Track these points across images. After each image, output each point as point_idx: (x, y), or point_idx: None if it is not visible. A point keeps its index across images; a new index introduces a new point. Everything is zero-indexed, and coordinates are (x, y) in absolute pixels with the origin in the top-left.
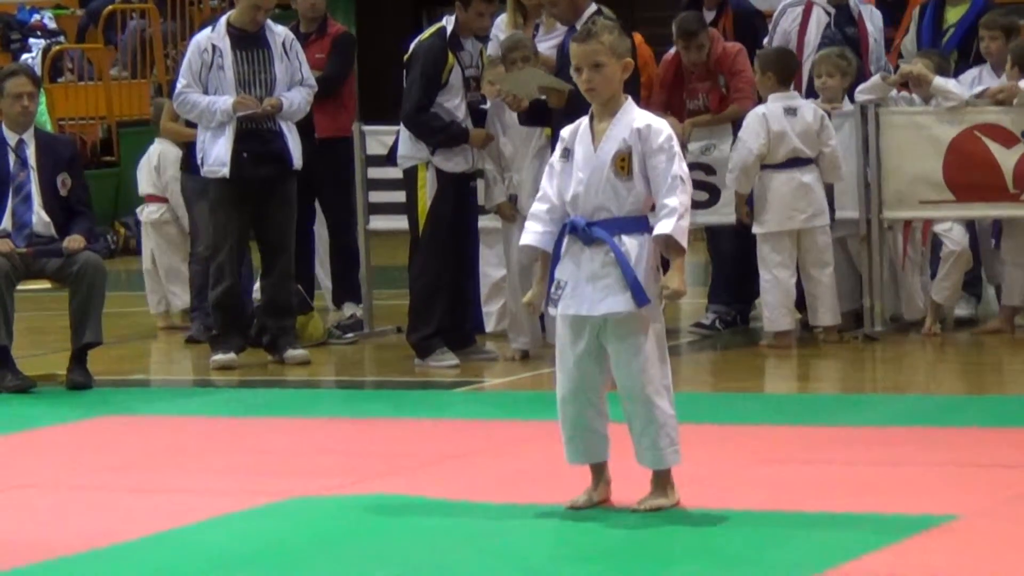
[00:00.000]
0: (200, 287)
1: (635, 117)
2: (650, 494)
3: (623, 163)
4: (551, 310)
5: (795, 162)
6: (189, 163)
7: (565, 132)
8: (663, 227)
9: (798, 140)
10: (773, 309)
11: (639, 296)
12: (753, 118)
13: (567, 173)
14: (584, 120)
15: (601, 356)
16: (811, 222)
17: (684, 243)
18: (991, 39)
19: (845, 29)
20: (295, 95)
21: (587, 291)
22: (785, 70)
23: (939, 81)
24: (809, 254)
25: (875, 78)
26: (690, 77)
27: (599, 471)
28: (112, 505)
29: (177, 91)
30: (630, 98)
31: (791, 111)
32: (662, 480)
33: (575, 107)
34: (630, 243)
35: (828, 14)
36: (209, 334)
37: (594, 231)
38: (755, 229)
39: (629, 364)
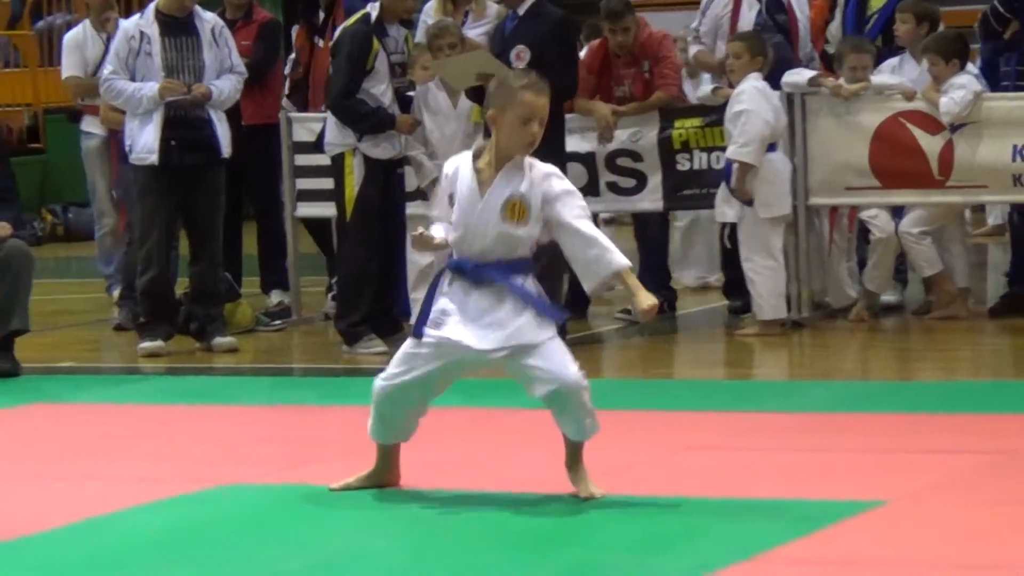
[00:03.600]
0: (133, 276)
1: (530, 163)
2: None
3: (513, 209)
4: (430, 331)
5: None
6: None
7: (449, 169)
8: (620, 261)
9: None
10: (772, 296)
11: (553, 314)
12: (754, 92)
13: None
14: (464, 161)
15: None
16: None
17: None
18: (901, 22)
19: (776, 16)
20: (224, 83)
21: (475, 327)
22: (763, 53)
23: (877, 80)
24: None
25: (805, 75)
26: (616, 63)
27: (394, 453)
28: (40, 493)
29: (103, 77)
30: None
31: (772, 92)
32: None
33: None
34: (523, 282)
35: (759, 1)
36: (136, 322)
37: (484, 272)
38: (762, 214)
39: (559, 361)
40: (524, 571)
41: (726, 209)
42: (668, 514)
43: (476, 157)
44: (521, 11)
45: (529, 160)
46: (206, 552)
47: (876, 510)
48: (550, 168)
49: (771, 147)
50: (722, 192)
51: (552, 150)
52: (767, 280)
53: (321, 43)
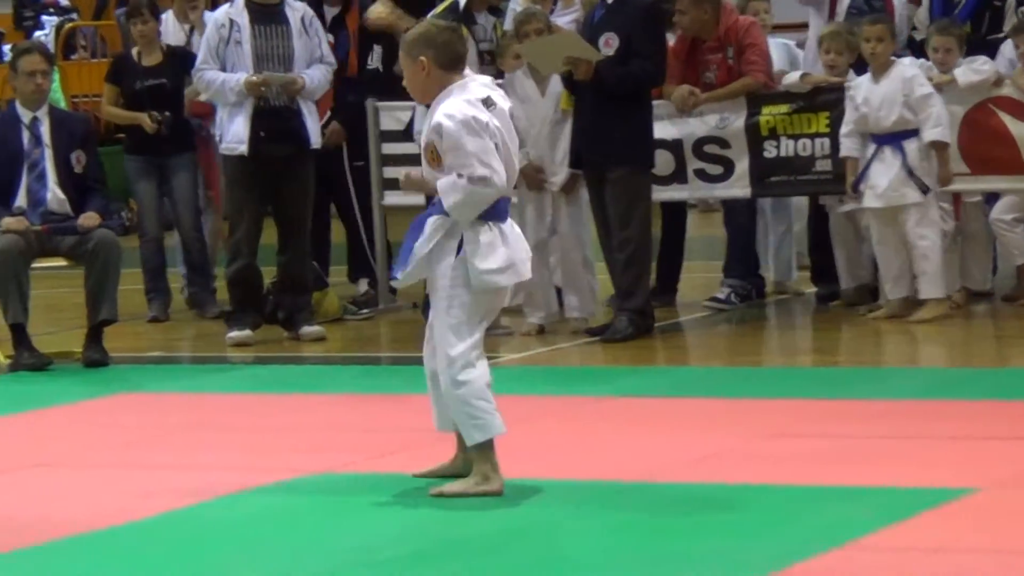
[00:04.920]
0: (153, 268)
1: (438, 110)
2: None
3: (432, 154)
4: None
5: None
6: (130, 145)
7: None
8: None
9: None
10: (945, 274)
11: (397, 268)
12: (924, 74)
13: None
14: None
15: None
16: None
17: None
18: None
19: (872, 1)
20: (315, 72)
21: None
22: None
23: (963, 80)
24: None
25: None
26: (701, 49)
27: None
28: (129, 482)
29: (195, 68)
30: (450, 88)
31: None
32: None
33: (603, 80)
34: (429, 222)
35: None
36: (165, 313)
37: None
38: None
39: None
40: (614, 561)
41: (907, 191)
42: (758, 502)
43: None
44: None
45: (440, 99)
46: (293, 541)
47: (967, 497)
48: (447, 109)
49: None
50: (901, 175)
51: (640, 137)
52: (940, 255)
53: (331, 37)
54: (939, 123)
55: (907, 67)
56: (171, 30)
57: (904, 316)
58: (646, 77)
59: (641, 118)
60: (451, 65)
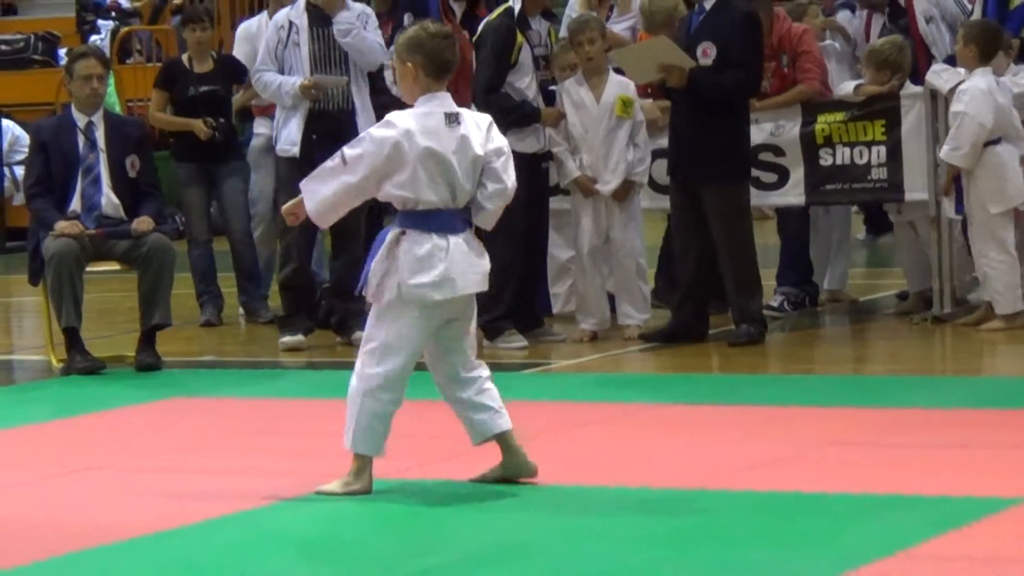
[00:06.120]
0: (203, 272)
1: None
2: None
3: None
4: None
5: (1005, 137)
6: (179, 151)
7: None
8: None
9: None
10: (1009, 290)
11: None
12: (977, 92)
13: None
14: None
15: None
16: None
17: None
18: None
19: (898, 21)
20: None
21: None
22: (990, 44)
23: (1019, 91)
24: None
25: (948, 79)
26: None
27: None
28: (180, 487)
29: (254, 70)
30: (420, 98)
31: (1002, 85)
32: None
33: (698, 88)
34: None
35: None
36: (218, 317)
37: None
38: (993, 209)
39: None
40: (667, 568)
41: (947, 203)
42: (810, 510)
43: None
44: (708, 4)
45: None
46: (345, 547)
47: (1018, 507)
48: (393, 114)
49: (997, 139)
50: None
51: (736, 148)
52: (1003, 274)
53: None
54: (956, 145)
55: (976, 78)
56: (263, 33)
57: (1019, 326)
58: (740, 88)
59: (736, 129)
60: (437, 73)
